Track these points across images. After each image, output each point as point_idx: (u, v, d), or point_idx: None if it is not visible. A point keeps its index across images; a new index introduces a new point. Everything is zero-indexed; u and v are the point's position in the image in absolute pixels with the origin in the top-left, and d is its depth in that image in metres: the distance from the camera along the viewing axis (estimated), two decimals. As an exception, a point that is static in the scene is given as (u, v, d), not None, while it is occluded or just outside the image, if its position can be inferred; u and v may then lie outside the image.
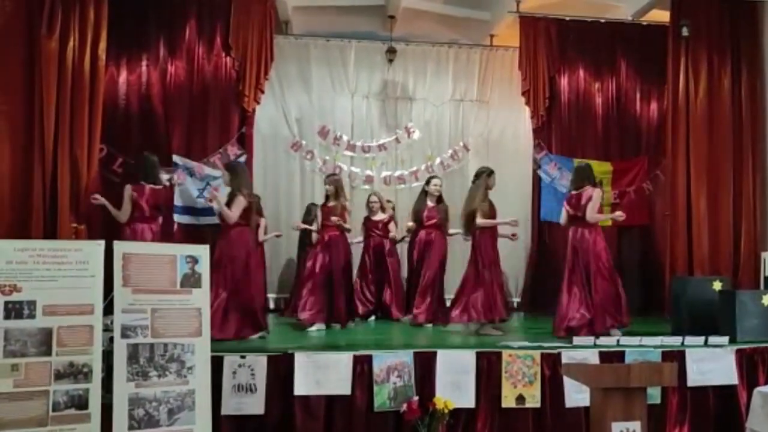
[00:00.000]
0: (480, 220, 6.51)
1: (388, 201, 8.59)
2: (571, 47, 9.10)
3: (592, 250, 6.16)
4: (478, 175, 6.80)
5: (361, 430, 4.92)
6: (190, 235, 7.24)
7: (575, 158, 8.96)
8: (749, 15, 7.99)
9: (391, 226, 8.16)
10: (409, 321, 7.40)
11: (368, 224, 8.15)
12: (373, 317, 7.89)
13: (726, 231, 7.70)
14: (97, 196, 6.57)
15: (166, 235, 7.00)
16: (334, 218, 6.82)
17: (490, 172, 6.76)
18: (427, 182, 7.81)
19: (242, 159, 8.00)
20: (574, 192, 6.40)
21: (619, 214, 6.40)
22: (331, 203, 6.94)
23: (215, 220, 7.45)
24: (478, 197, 6.57)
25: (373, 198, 8.23)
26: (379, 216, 8.12)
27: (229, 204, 6.06)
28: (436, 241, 7.55)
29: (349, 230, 7.08)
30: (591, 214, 6.16)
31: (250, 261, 6.04)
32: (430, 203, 7.66)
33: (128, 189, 6.61)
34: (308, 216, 8.22)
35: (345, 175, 9.25)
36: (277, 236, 8.25)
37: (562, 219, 6.54)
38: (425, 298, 7.34)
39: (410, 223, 7.81)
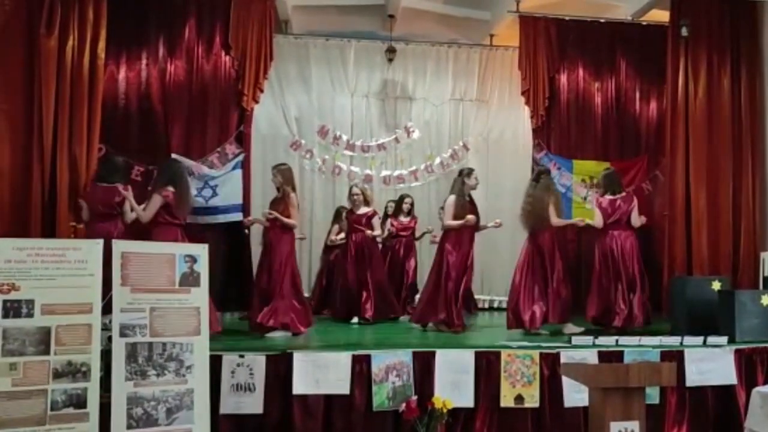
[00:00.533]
0: (557, 220, 6.60)
1: (406, 196, 8.35)
2: (571, 47, 9.10)
3: (632, 253, 6.56)
4: (539, 175, 6.86)
5: (359, 430, 4.92)
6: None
7: (575, 158, 8.97)
8: (749, 15, 7.98)
9: (375, 221, 7.70)
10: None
11: (350, 218, 7.72)
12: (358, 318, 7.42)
13: (725, 231, 7.70)
14: (81, 201, 6.50)
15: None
16: (265, 211, 6.40)
17: (548, 170, 6.99)
18: (468, 175, 6.83)
19: (241, 158, 8.01)
20: (609, 197, 6.64)
21: (644, 218, 6.73)
22: (278, 196, 6.46)
23: (216, 219, 7.50)
24: (552, 196, 6.67)
25: (356, 190, 7.79)
26: (363, 210, 7.69)
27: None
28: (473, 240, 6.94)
29: (293, 226, 6.41)
30: (636, 219, 6.60)
31: None
32: (467, 198, 6.84)
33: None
34: (337, 219, 8.19)
35: (344, 175, 9.26)
36: (301, 239, 7.94)
37: (598, 222, 6.64)
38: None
39: (470, 216, 6.64)
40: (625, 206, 6.60)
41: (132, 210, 6.18)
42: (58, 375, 3.95)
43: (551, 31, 8.95)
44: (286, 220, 6.28)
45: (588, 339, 5.54)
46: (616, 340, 5.54)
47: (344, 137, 9.36)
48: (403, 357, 5.05)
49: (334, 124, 9.37)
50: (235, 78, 8.14)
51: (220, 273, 6.91)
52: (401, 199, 8.43)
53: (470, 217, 6.64)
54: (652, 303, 8.00)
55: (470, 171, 6.96)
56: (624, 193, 6.72)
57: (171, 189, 5.85)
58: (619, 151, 9.19)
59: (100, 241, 4.28)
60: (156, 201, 5.80)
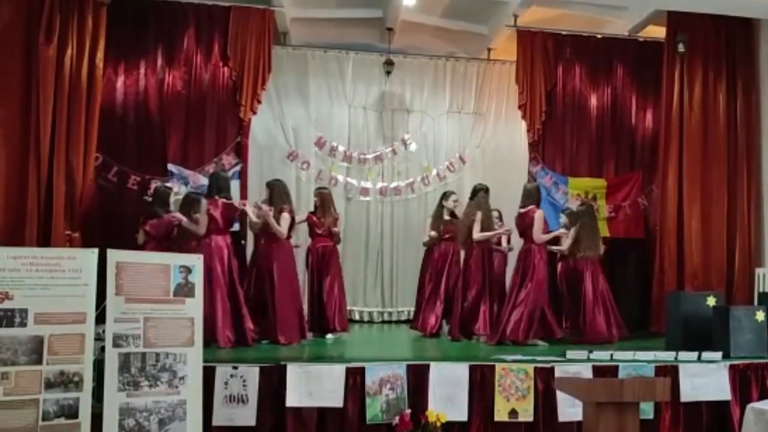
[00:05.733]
0: (478, 234, 6.92)
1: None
2: (568, 62, 9.12)
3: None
4: (476, 192, 7.23)
5: (353, 443, 4.90)
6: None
7: (570, 174, 8.97)
8: (745, 31, 8.06)
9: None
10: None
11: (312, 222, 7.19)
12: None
13: (718, 246, 7.73)
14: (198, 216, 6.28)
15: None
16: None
17: (486, 188, 7.35)
18: (446, 197, 7.75)
19: (237, 168, 8.01)
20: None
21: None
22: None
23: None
24: (480, 213, 6.97)
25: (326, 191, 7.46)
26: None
27: None
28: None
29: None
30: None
31: None
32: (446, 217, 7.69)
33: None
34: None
35: (341, 186, 9.26)
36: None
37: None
38: None
39: (432, 233, 7.57)
40: None
41: (274, 228, 6.41)
42: (50, 385, 3.93)
43: (548, 45, 8.97)
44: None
45: (583, 353, 5.53)
46: (611, 355, 5.53)
47: (341, 148, 9.36)
48: (398, 370, 5.04)
49: (331, 135, 9.37)
50: (233, 89, 8.15)
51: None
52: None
53: (432, 233, 7.49)
54: (643, 317, 8.11)
55: (451, 193, 7.80)
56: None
57: (288, 207, 6.47)
58: (615, 165, 9.18)
59: (95, 250, 4.27)
60: (287, 218, 6.41)
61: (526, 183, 7.44)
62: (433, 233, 7.52)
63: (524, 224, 6.74)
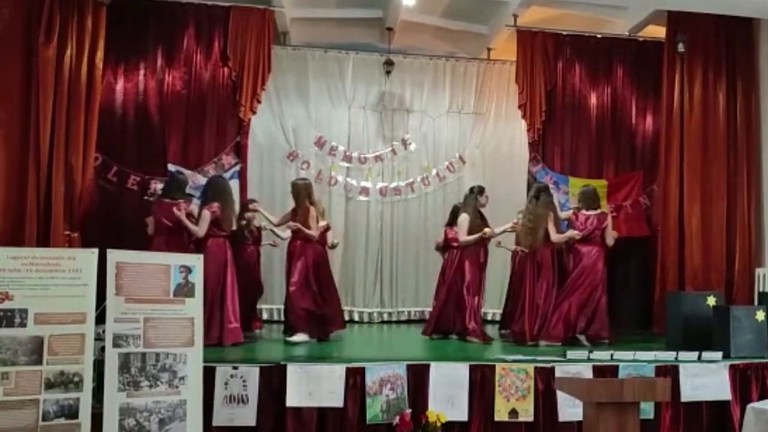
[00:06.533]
0: (557, 236, 6.72)
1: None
2: (568, 61, 9.12)
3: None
4: (539, 192, 6.93)
5: (353, 443, 4.90)
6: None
7: (571, 174, 8.96)
8: (744, 31, 8.06)
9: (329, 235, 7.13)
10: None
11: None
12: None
13: (718, 246, 7.72)
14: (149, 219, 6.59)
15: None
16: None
17: (547, 187, 7.25)
18: (480, 193, 7.19)
19: (237, 168, 8.01)
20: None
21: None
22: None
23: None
24: (552, 213, 6.79)
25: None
26: (321, 223, 6.89)
27: None
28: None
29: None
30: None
31: None
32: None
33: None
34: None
35: (341, 186, 9.26)
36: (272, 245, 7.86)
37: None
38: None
39: (487, 229, 6.98)
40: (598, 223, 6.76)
41: (186, 227, 6.45)
42: (50, 385, 3.94)
43: (548, 45, 8.96)
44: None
45: (583, 353, 5.53)
46: (611, 355, 5.53)
47: (341, 148, 9.36)
48: (398, 370, 5.04)
49: (331, 135, 9.36)
50: (233, 89, 8.15)
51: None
52: (457, 209, 7.61)
53: (487, 230, 6.94)
54: (644, 317, 8.08)
55: (482, 189, 7.23)
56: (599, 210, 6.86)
57: (216, 204, 6.41)
58: (615, 165, 9.17)
59: (95, 251, 4.27)
60: (206, 217, 6.35)
61: (584, 187, 7.36)
62: (487, 230, 6.94)
63: (594, 226, 6.74)
